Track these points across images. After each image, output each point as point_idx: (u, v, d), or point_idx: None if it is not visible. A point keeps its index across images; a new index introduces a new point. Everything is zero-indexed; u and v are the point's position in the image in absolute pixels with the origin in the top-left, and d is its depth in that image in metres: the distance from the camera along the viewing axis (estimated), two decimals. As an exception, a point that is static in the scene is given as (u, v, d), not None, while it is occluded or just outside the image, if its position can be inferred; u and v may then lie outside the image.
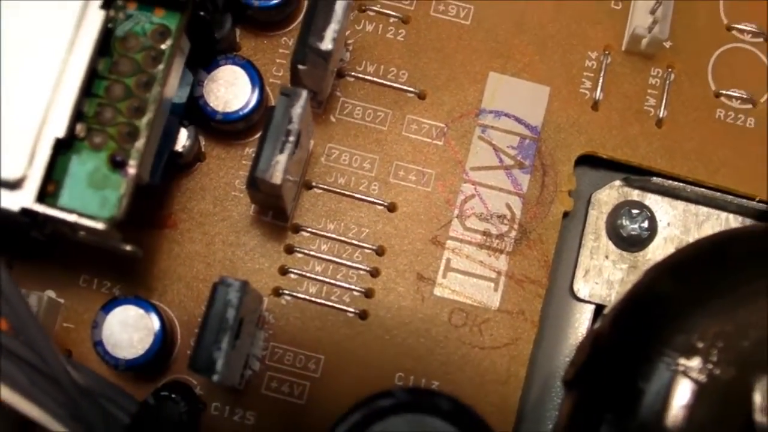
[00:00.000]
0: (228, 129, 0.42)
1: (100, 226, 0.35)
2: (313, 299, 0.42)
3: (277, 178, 0.36)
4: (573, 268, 0.43)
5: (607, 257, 0.42)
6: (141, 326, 0.40)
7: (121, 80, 0.36)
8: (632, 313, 0.36)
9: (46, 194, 0.36)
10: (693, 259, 0.36)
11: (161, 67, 0.37)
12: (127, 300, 0.40)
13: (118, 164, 0.36)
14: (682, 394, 0.34)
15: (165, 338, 0.40)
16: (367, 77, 0.43)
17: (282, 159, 0.36)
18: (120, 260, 0.41)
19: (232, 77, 0.41)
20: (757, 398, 0.34)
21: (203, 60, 0.41)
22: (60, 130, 0.35)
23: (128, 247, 0.38)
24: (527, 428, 0.41)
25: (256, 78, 0.41)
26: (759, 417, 0.33)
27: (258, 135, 0.42)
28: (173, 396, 0.40)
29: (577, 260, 0.43)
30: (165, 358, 0.41)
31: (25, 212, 0.35)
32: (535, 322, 0.41)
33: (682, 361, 0.34)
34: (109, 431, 0.37)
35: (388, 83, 0.43)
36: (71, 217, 0.35)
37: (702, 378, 0.34)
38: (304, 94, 0.37)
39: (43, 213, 0.35)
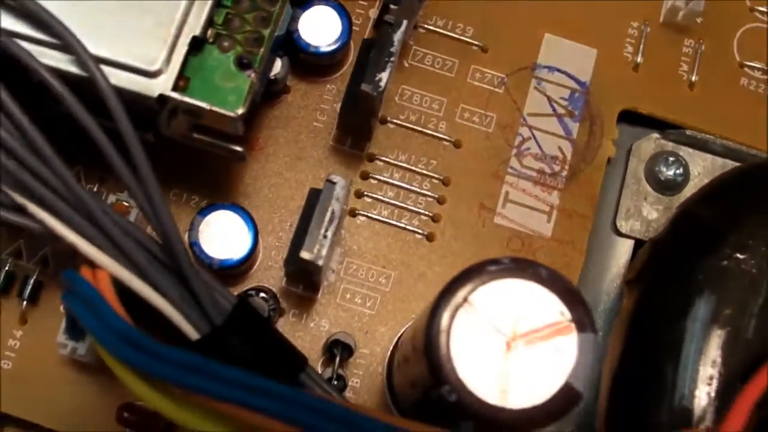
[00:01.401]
0: (315, 62, 0.46)
1: (232, 114, 0.39)
2: (385, 220, 0.46)
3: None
4: (615, 207, 0.48)
5: (645, 199, 0.47)
6: (235, 229, 0.43)
7: (248, -5, 0.41)
8: (690, 218, 0.41)
9: (178, 88, 0.39)
10: (737, 179, 0.42)
11: (283, -13, 0.41)
12: (223, 206, 0.44)
13: (244, 65, 0.40)
14: (736, 284, 0.39)
15: (256, 242, 0.43)
16: (437, 29, 0.48)
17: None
18: (208, 177, 0.45)
19: (324, 16, 0.46)
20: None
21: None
22: (196, 30, 0.39)
23: (238, 147, 0.42)
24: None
25: (346, 18, 0.46)
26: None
27: (340, 72, 0.47)
28: (262, 295, 0.44)
29: (619, 201, 0.48)
30: (252, 264, 0.45)
31: (162, 99, 0.39)
32: (582, 251, 0.46)
33: (736, 255, 0.39)
34: (215, 313, 0.40)
35: (456, 35, 0.48)
36: (205, 105, 0.39)
37: (753, 270, 0.39)
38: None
39: (179, 99, 0.39)
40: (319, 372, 0.44)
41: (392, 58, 0.42)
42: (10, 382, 0.43)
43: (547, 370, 0.36)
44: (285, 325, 0.44)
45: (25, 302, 0.44)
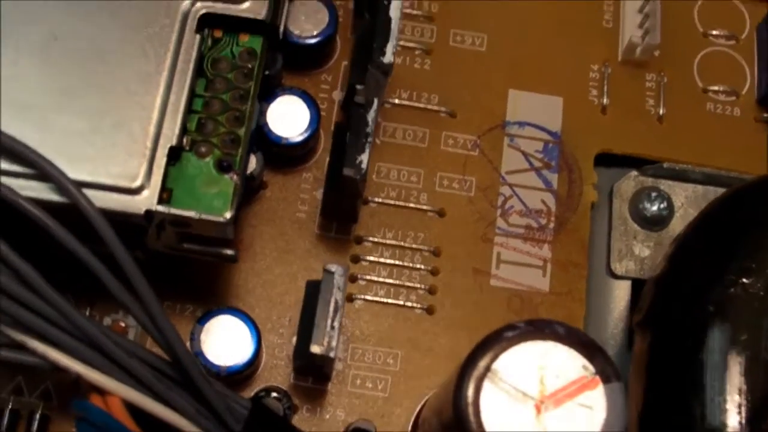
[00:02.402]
0: (288, 153, 0.46)
1: (221, 218, 0.39)
2: (383, 300, 0.46)
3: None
4: (607, 250, 0.48)
5: (635, 237, 0.47)
6: (237, 333, 0.43)
7: (218, 96, 0.40)
8: (686, 251, 0.41)
9: (162, 201, 0.39)
10: (727, 204, 0.42)
11: (252, 83, 0.41)
12: (220, 311, 0.43)
13: (224, 168, 0.39)
14: (747, 308, 0.39)
15: (260, 342, 0.43)
16: (403, 102, 0.48)
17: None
18: (198, 285, 0.44)
19: (290, 106, 0.45)
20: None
21: (263, 92, 0.45)
22: (172, 140, 0.39)
23: (229, 251, 0.41)
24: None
25: (313, 105, 0.45)
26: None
27: (314, 159, 0.47)
28: (275, 394, 0.43)
29: (610, 243, 0.48)
30: (257, 365, 0.44)
31: (149, 215, 0.38)
32: (582, 300, 0.46)
33: (742, 280, 0.39)
34: (233, 421, 0.39)
35: (422, 106, 0.48)
36: (193, 214, 0.39)
37: (761, 292, 0.39)
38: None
39: (166, 212, 0.38)
40: (344, 463, 0.43)
41: (369, 139, 0.41)
42: None
43: (581, 426, 0.35)
44: (300, 421, 0.44)
45: (34, 440, 0.43)
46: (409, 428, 0.44)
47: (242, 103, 0.41)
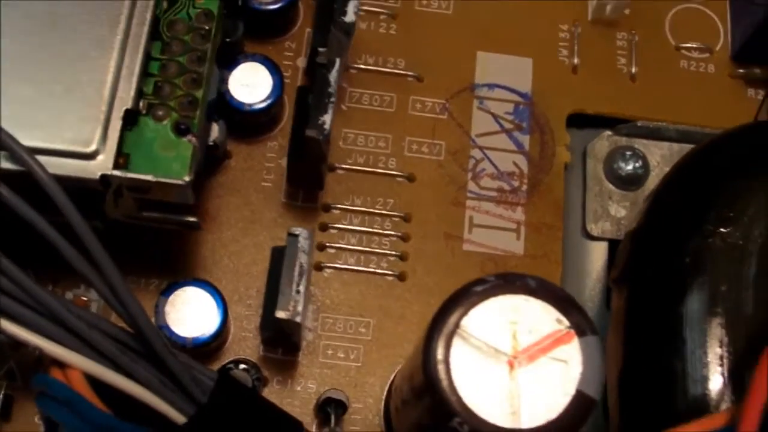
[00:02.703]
0: (252, 121, 0.45)
1: (180, 181, 0.37)
2: (353, 268, 0.44)
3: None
4: (582, 212, 0.46)
5: (610, 198, 0.46)
6: (202, 305, 0.41)
7: (174, 59, 0.39)
8: (663, 202, 0.40)
9: (119, 166, 0.38)
10: (702, 155, 0.41)
11: (209, 45, 0.40)
12: (185, 282, 0.42)
13: (182, 131, 0.38)
14: (725, 258, 0.38)
15: (226, 315, 0.42)
16: (369, 67, 0.47)
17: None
18: (162, 257, 0.43)
19: (253, 73, 0.44)
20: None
21: (224, 60, 0.44)
22: (128, 103, 0.38)
23: (191, 218, 0.40)
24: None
25: (275, 71, 0.44)
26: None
27: (279, 127, 0.46)
28: (243, 366, 0.42)
29: (585, 205, 0.46)
30: (225, 337, 0.43)
31: (104, 180, 0.37)
32: (558, 262, 0.45)
33: (720, 230, 0.38)
34: (198, 392, 0.38)
35: (389, 70, 0.47)
36: (150, 177, 0.37)
37: (740, 241, 0.38)
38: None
39: (122, 176, 0.37)
40: (316, 435, 0.42)
41: (332, 99, 0.40)
42: None
43: (556, 381, 0.34)
44: (271, 394, 0.42)
45: (-3, 420, 0.42)
46: (383, 397, 0.43)
47: (199, 65, 0.39)
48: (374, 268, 0.44)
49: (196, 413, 0.37)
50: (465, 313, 0.35)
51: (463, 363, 0.34)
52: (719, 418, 0.32)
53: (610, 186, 0.47)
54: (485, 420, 0.34)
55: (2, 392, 0.42)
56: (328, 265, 0.44)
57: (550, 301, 0.35)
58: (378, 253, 0.45)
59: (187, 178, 0.38)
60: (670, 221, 0.39)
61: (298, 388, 0.43)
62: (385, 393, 0.43)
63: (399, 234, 0.45)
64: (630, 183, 0.46)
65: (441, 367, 0.34)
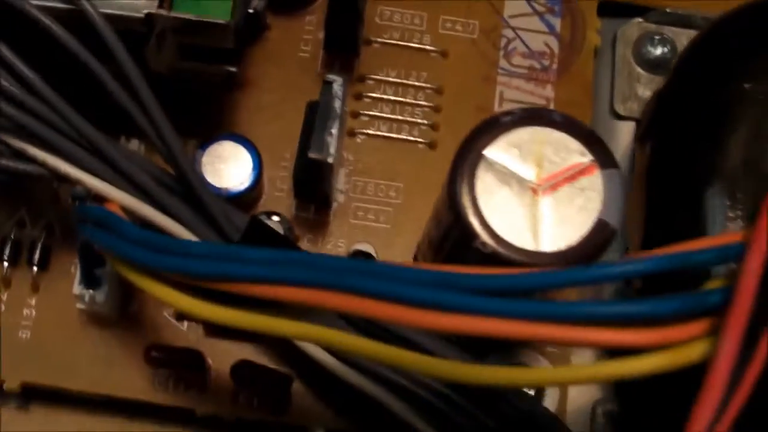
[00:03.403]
0: (292, -3, 0.46)
1: (224, 21, 0.39)
2: (385, 134, 0.46)
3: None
4: (611, 93, 0.48)
5: (638, 80, 0.47)
6: (238, 159, 0.43)
7: None
8: (690, 63, 0.41)
9: (164, 6, 0.39)
10: (734, 16, 0.41)
11: None
12: (221, 136, 0.43)
13: (226, -21, 0.40)
14: (749, 112, 0.38)
15: (260, 169, 0.43)
16: (407, -52, 0.49)
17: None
18: (203, 120, 0.45)
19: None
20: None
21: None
22: (174, -52, 0.39)
23: (232, 68, 0.41)
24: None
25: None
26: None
27: (317, 1, 0.47)
28: (276, 218, 0.43)
29: (613, 86, 0.48)
30: (259, 194, 0.44)
31: (149, 18, 0.39)
32: (586, 138, 0.46)
33: (746, 85, 0.39)
34: (231, 229, 0.39)
35: (427, -47, 0.49)
36: (195, 17, 0.39)
37: (761, 97, 0.39)
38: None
39: (167, 15, 0.39)
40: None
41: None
42: (31, 352, 0.42)
43: (578, 210, 0.35)
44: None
45: (35, 269, 0.43)
46: (412, 257, 0.44)
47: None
48: (406, 136, 0.46)
49: (228, 249, 0.38)
50: (491, 141, 0.36)
51: (487, 188, 0.35)
52: (736, 236, 0.33)
53: (638, 69, 0.48)
54: (507, 241, 0.35)
55: (41, 242, 0.43)
56: (361, 131, 0.46)
57: (575, 134, 0.36)
58: (410, 122, 0.46)
59: (230, 19, 0.39)
60: (698, 78, 0.40)
61: (329, 246, 0.44)
62: (413, 254, 0.44)
63: (431, 105, 0.46)
64: (657, 66, 0.47)
65: (465, 191, 0.35)
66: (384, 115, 0.46)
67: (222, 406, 0.42)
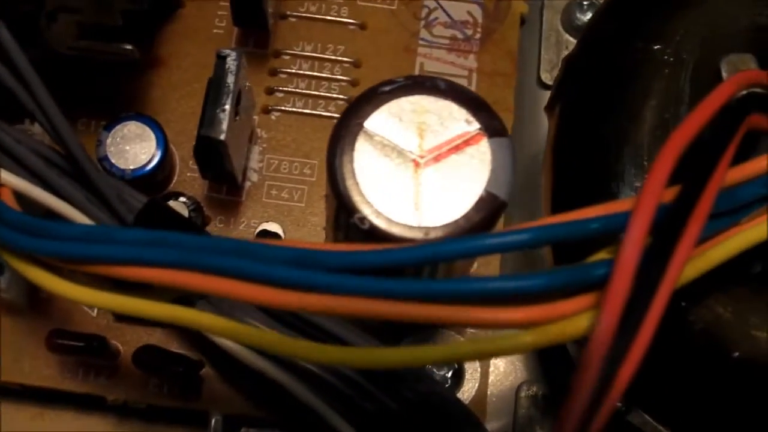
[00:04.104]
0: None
1: (104, -4, 0.38)
2: (300, 110, 0.44)
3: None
4: (538, 62, 0.46)
5: (567, 48, 0.46)
6: (143, 138, 0.42)
7: None
8: (599, 25, 0.39)
9: (48, -18, 0.38)
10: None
11: None
12: (126, 117, 0.42)
13: (112, -48, 0.39)
14: (655, 72, 0.37)
15: (167, 149, 0.42)
16: None
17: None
18: (109, 96, 0.43)
19: None
20: (724, 74, 0.37)
21: None
22: None
23: (128, 45, 0.40)
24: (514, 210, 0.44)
25: None
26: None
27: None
28: (183, 199, 0.42)
29: (540, 55, 0.46)
30: (167, 178, 0.43)
31: (32, -4, 0.38)
32: (510, 109, 0.44)
33: (650, 46, 0.37)
34: (125, 210, 0.38)
35: None
36: (75, -8, 0.38)
37: (671, 58, 0.37)
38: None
39: (49, -8, 0.38)
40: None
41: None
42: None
43: (463, 182, 0.34)
44: (213, 232, 0.42)
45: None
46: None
47: None
48: (322, 111, 0.44)
49: (120, 230, 0.37)
50: (371, 112, 0.35)
51: (366, 161, 0.34)
52: (623, 204, 0.31)
53: (567, 36, 0.46)
54: (386, 216, 0.33)
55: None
56: (276, 108, 0.44)
57: (460, 102, 0.35)
58: (326, 98, 0.45)
59: (110, -7, 0.38)
60: (603, 41, 0.38)
61: (241, 227, 0.43)
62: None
63: (348, 79, 0.45)
64: (587, 33, 0.46)
65: (344, 164, 0.34)
66: (300, 90, 0.44)
67: (132, 393, 0.41)
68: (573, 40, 0.46)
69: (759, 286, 0.35)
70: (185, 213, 0.41)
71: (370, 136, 0.34)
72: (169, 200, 0.42)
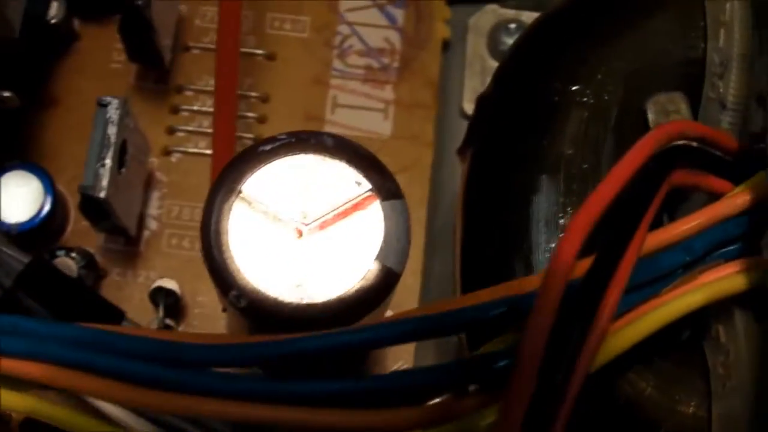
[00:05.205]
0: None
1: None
2: (203, 151, 0.41)
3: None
4: (460, 90, 0.43)
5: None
6: (31, 189, 0.39)
7: None
8: (514, 63, 0.36)
9: None
10: (560, 6, 0.36)
11: None
12: (13, 166, 0.39)
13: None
14: (574, 116, 0.33)
15: (56, 200, 0.39)
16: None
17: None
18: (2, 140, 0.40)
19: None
20: (651, 116, 0.34)
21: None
22: None
23: (6, 93, 0.37)
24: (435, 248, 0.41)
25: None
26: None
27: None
28: (71, 254, 0.39)
29: (464, 83, 0.42)
30: (60, 228, 0.40)
31: None
32: (429, 144, 0.41)
33: (568, 87, 0.34)
34: (3, 274, 0.35)
35: (249, -59, 0.44)
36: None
37: (591, 100, 0.34)
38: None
39: None
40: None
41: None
42: None
43: (351, 252, 0.31)
44: (110, 286, 0.40)
45: None
46: (227, 288, 0.39)
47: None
48: (227, 152, 0.41)
49: (-1, 297, 0.34)
50: (249, 173, 0.31)
51: (243, 230, 0.31)
52: (528, 283, 0.28)
53: (493, 63, 0.43)
54: (264, 293, 0.30)
55: None
56: (177, 149, 0.41)
57: (349, 160, 0.31)
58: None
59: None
60: (519, 80, 0.35)
61: (139, 280, 0.40)
62: (229, 283, 0.40)
63: (256, 116, 0.42)
64: (514, 59, 0.42)
65: (217, 234, 0.31)
66: (203, 129, 0.41)
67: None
68: (499, 67, 0.42)
69: (685, 355, 0.32)
70: (74, 271, 0.38)
71: (248, 202, 0.31)
72: (56, 257, 0.39)
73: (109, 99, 0.36)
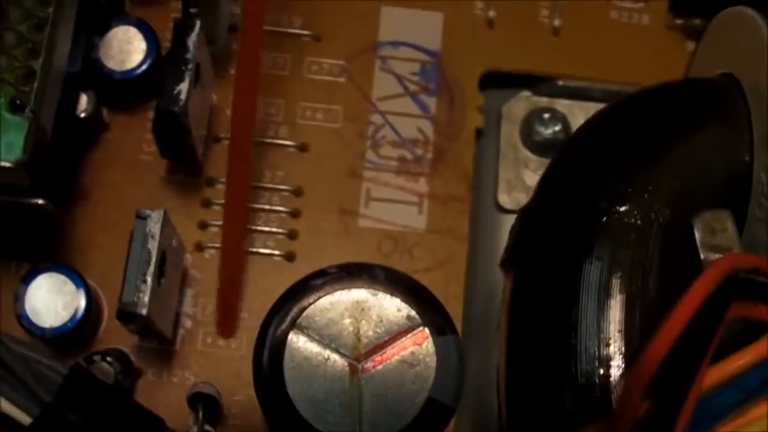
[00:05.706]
0: (129, 89, 0.41)
1: (6, 164, 0.34)
2: (237, 248, 0.41)
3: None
4: (495, 181, 0.42)
5: (527, 166, 0.42)
6: (64, 292, 0.38)
7: (11, 28, 0.36)
8: (557, 179, 0.35)
9: (-55, 148, 0.34)
10: (604, 119, 0.36)
11: (51, 10, 0.36)
12: (46, 268, 0.38)
13: (18, 107, 0.35)
14: (620, 238, 0.33)
15: (90, 302, 0.38)
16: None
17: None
18: (31, 239, 0.40)
19: (127, 38, 0.40)
20: (698, 235, 0.33)
21: (94, 25, 0.40)
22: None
23: (40, 201, 0.37)
24: (472, 344, 0.40)
25: (150, 34, 0.41)
26: (704, 253, 0.33)
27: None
28: (107, 358, 0.39)
29: (497, 174, 0.42)
30: (94, 327, 0.39)
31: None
32: (464, 239, 0.41)
33: (615, 208, 0.33)
34: (42, 390, 0.35)
35: (282, 29, 0.43)
36: (-27, 161, 0.34)
37: (638, 221, 0.33)
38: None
39: (-56, 161, 0.34)
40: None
41: (189, 66, 0.36)
42: None
43: (405, 388, 0.30)
44: (146, 386, 0.39)
45: None
46: (265, 390, 0.39)
47: (38, 34, 0.36)
48: (259, 248, 0.41)
49: (40, 414, 0.34)
50: (301, 311, 0.31)
51: (297, 368, 0.31)
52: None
53: (527, 152, 0.42)
54: (317, 430, 0.30)
55: None
56: (210, 245, 0.41)
57: (402, 295, 0.31)
58: (264, 232, 0.41)
59: (18, 158, 0.34)
60: (563, 197, 0.35)
61: (175, 380, 0.39)
62: (266, 384, 0.39)
63: (288, 210, 0.41)
64: (549, 149, 0.42)
65: (271, 374, 0.30)
66: (235, 224, 0.41)
67: None
68: (534, 157, 0.42)
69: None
70: (111, 376, 0.38)
71: (302, 339, 0.31)
72: (93, 361, 0.38)
73: (148, 212, 0.36)
